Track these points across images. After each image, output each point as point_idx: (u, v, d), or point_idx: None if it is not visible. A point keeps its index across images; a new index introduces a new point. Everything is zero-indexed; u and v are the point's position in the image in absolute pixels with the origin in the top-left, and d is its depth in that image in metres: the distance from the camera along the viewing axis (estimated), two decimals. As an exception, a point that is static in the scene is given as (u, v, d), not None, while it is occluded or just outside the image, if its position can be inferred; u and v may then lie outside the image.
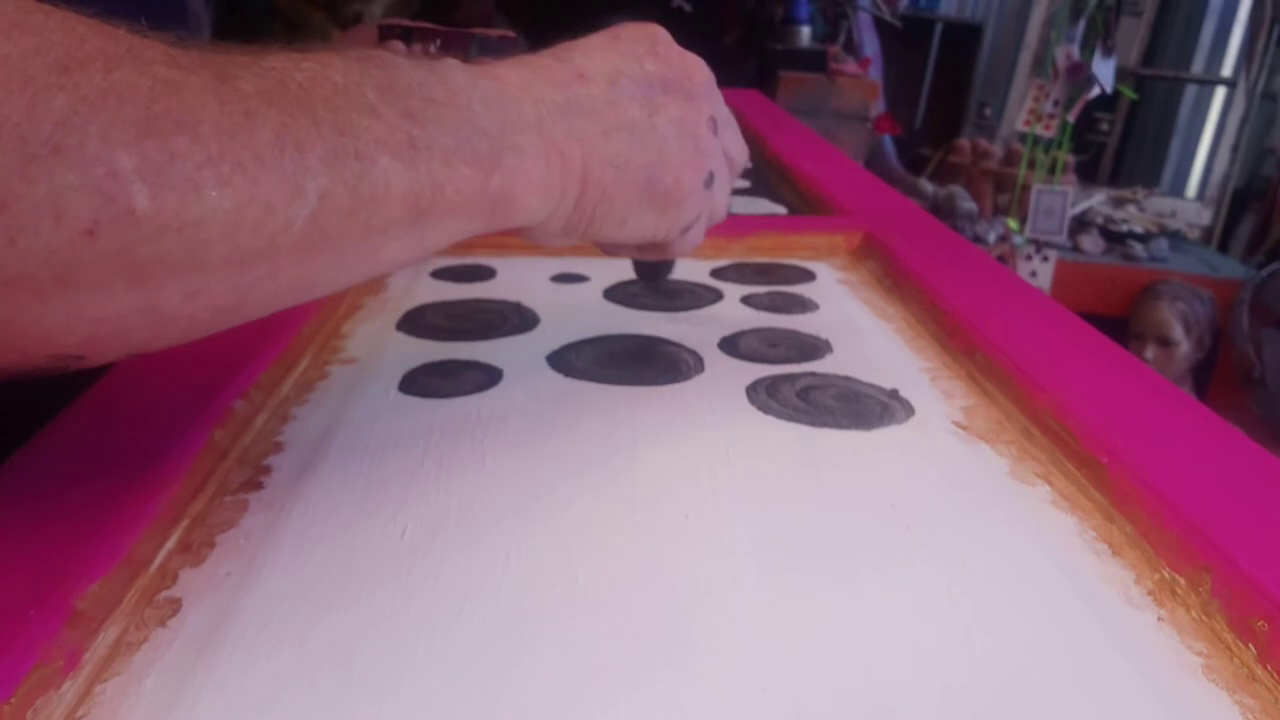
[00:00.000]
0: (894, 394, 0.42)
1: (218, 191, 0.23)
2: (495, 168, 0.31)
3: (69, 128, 0.21)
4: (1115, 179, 3.20)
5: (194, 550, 0.30)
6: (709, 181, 0.38)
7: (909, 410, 0.41)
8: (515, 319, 0.50)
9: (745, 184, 0.84)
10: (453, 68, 0.32)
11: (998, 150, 2.68)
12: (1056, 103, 2.10)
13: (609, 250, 0.41)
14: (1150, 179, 3.11)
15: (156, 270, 0.23)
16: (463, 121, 0.30)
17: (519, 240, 0.61)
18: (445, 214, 0.30)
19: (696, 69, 0.38)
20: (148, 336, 0.25)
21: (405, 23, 0.70)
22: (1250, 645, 0.26)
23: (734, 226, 0.65)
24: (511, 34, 0.74)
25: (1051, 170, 2.20)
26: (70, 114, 0.21)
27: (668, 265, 0.46)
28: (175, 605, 0.27)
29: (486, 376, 0.43)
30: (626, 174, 0.35)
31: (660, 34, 0.38)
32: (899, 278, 0.56)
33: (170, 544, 0.30)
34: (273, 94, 0.25)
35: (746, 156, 0.42)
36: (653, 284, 0.47)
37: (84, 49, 0.22)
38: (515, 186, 0.32)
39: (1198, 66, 3.19)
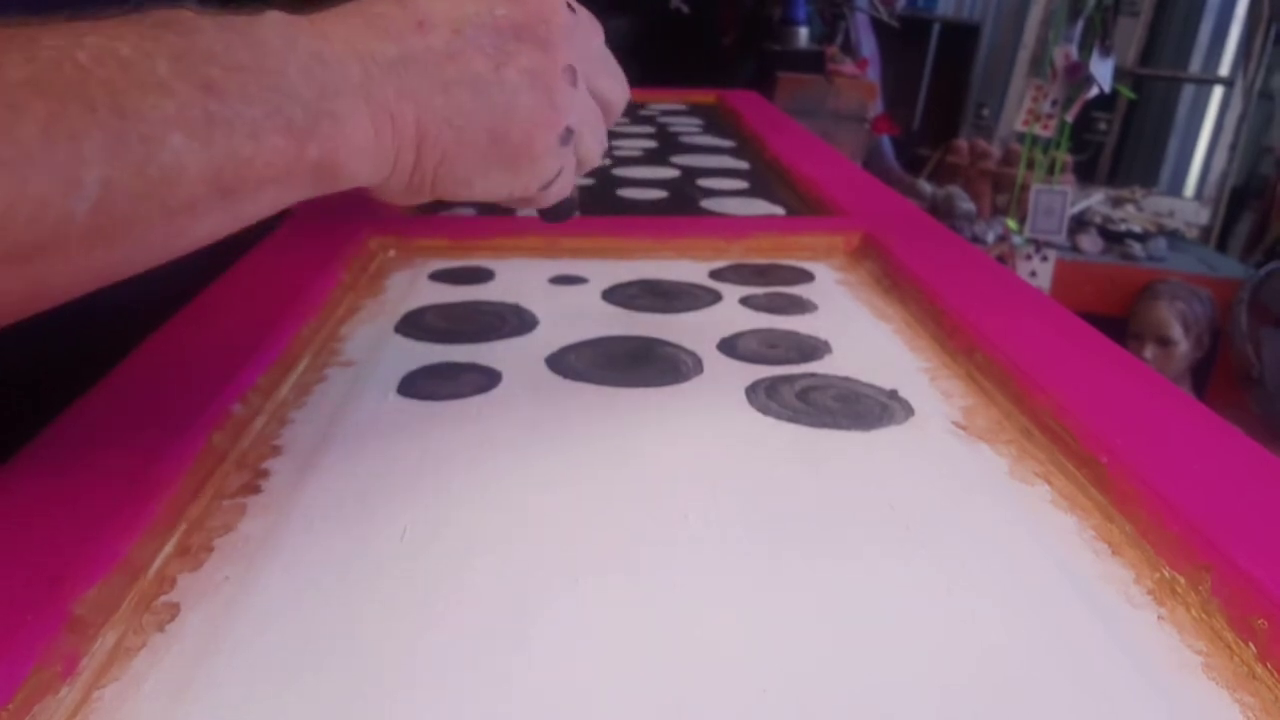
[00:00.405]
0: (893, 394, 0.42)
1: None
2: (310, 137, 0.29)
3: None
4: (1113, 179, 3.21)
5: (192, 554, 0.30)
6: (566, 138, 0.36)
7: (908, 410, 0.41)
8: (514, 321, 0.50)
9: (743, 185, 0.84)
10: (269, 25, 0.30)
11: (996, 150, 2.68)
12: (1055, 102, 2.10)
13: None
14: (1148, 178, 3.11)
15: None
16: (272, 89, 0.28)
17: (518, 242, 0.61)
18: (257, 187, 0.28)
19: (554, 11, 0.35)
20: None
21: None
22: (1250, 644, 0.26)
23: (732, 228, 0.65)
24: None
25: (1050, 170, 2.20)
26: None
27: (569, 204, 0.43)
28: (173, 610, 0.27)
29: (485, 379, 0.43)
30: (468, 134, 0.33)
31: None
32: (898, 278, 0.56)
33: (168, 548, 0.30)
34: (44, 81, 0.24)
35: (627, 97, 0.40)
36: (555, 221, 0.45)
37: None
38: (338, 154, 0.30)
39: (1195, 66, 3.19)
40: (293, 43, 0.30)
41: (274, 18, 0.30)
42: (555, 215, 0.43)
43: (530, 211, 0.40)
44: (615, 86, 0.39)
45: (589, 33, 0.37)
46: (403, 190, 0.34)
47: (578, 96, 0.36)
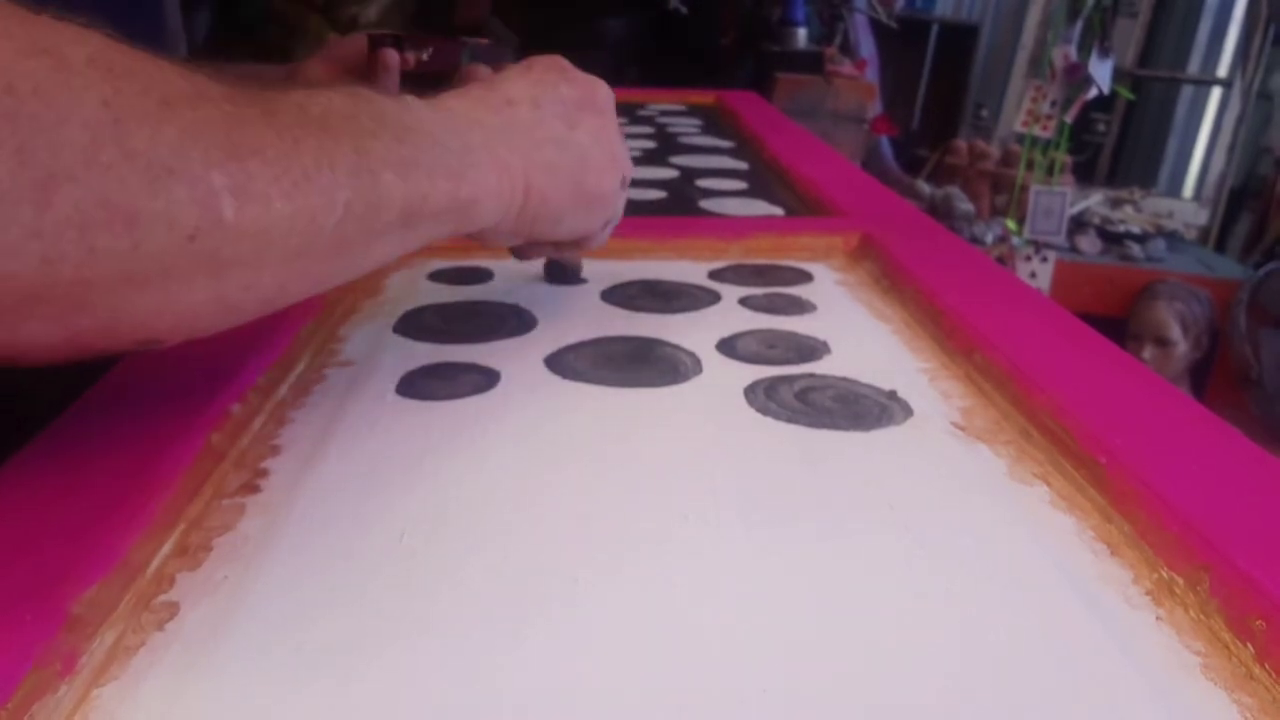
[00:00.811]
0: (892, 395, 0.42)
1: (281, 203, 0.28)
2: (463, 180, 0.37)
3: (179, 154, 0.25)
4: (1112, 179, 3.21)
5: (191, 554, 0.30)
6: (624, 183, 0.46)
7: (907, 411, 0.41)
8: (513, 321, 0.50)
9: (742, 186, 0.84)
10: (413, 102, 0.37)
11: (995, 151, 2.69)
12: (1054, 103, 2.10)
13: (526, 253, 0.49)
14: (1147, 179, 3.11)
15: (230, 267, 0.28)
16: (434, 144, 0.36)
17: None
18: (426, 220, 0.35)
19: (599, 88, 0.45)
20: (211, 322, 0.30)
21: (396, 32, 0.70)
22: (1248, 644, 0.26)
23: (731, 228, 0.65)
24: (489, 41, 0.74)
25: (1049, 171, 2.21)
26: (178, 143, 0.25)
27: (575, 270, 0.55)
28: (173, 609, 0.27)
29: (484, 379, 0.43)
30: (559, 179, 0.42)
31: (565, 62, 0.46)
32: (897, 279, 0.56)
33: (167, 548, 0.30)
34: (304, 122, 0.30)
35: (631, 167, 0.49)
36: (562, 283, 0.55)
37: (172, 87, 0.26)
38: (478, 194, 0.38)
39: (1194, 67, 3.19)
40: (434, 113, 0.38)
41: (411, 99, 0.37)
42: (564, 275, 0.54)
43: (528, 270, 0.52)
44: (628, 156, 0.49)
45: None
46: (510, 230, 0.42)
47: (627, 152, 0.46)
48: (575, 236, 0.46)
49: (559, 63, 0.45)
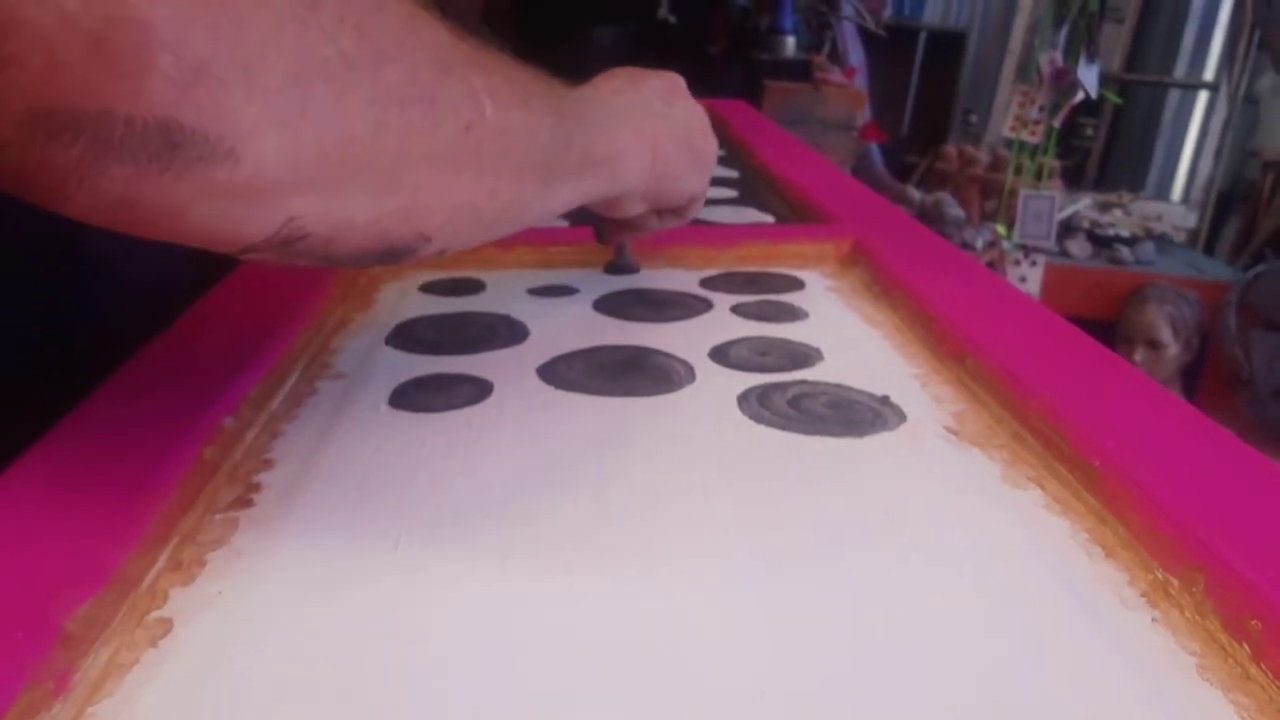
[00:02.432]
0: (885, 400, 0.42)
1: (518, 112, 0.33)
2: (614, 137, 0.43)
3: (452, 52, 0.30)
4: (1101, 183, 3.22)
5: (185, 569, 0.30)
6: (715, 152, 0.53)
7: (900, 416, 0.41)
8: (505, 332, 0.50)
9: (732, 194, 0.84)
10: (558, 83, 0.41)
11: (984, 156, 2.70)
12: (1042, 108, 2.11)
13: (614, 234, 0.55)
14: (1136, 183, 3.13)
15: (487, 166, 0.32)
16: (590, 106, 0.42)
17: (508, 253, 0.61)
18: (591, 168, 0.40)
19: (678, 79, 0.52)
20: (462, 229, 0.33)
21: None
22: (1244, 644, 0.26)
23: (722, 236, 0.65)
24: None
25: (1038, 175, 2.21)
26: (450, 43, 0.30)
27: (634, 265, 0.60)
28: (166, 625, 0.27)
29: (477, 389, 0.43)
30: (675, 143, 0.48)
31: (642, 69, 0.51)
32: (888, 285, 0.56)
33: (160, 563, 0.30)
34: (508, 62, 0.34)
35: None
36: (622, 273, 0.60)
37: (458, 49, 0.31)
38: (625, 150, 0.44)
39: (1180, 71, 3.21)
40: (581, 90, 0.44)
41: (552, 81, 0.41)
42: (624, 269, 0.60)
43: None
44: None
45: None
46: (643, 191, 0.47)
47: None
48: (688, 197, 0.51)
49: (635, 69, 0.51)
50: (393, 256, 0.31)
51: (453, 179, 0.31)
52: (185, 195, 0.24)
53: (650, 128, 0.46)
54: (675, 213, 0.53)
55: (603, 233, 0.55)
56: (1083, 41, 2.02)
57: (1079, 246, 2.43)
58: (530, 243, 0.63)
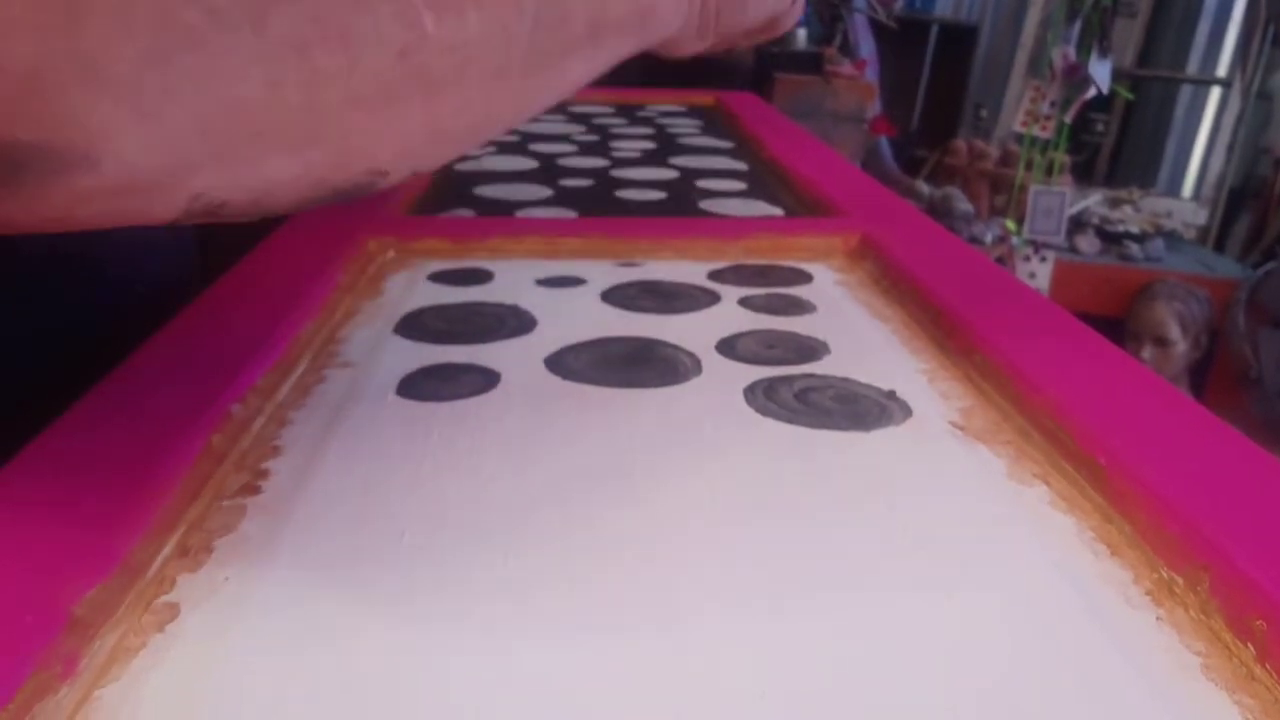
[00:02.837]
0: (892, 395, 0.42)
1: (474, 14, 0.27)
2: None
3: None
4: (1111, 179, 3.21)
5: (192, 555, 0.30)
6: None
7: (907, 411, 0.41)
8: (513, 322, 0.50)
9: (741, 186, 0.84)
10: None
11: (994, 151, 2.69)
12: (1053, 103, 2.10)
13: (729, 44, 0.44)
14: (1146, 179, 3.11)
15: (441, 87, 0.27)
16: None
17: (517, 243, 0.61)
18: (610, 32, 0.33)
19: None
20: (429, 151, 0.29)
21: None
22: (1249, 645, 0.26)
23: (731, 229, 0.65)
24: None
25: (1048, 171, 2.21)
26: None
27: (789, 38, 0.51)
28: (173, 610, 0.27)
29: (484, 379, 0.43)
30: None
31: None
32: (896, 279, 0.56)
33: (168, 549, 0.30)
34: None
35: None
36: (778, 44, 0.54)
37: None
38: (657, 2, 0.35)
39: (1193, 67, 3.19)
40: None
41: None
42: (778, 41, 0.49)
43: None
44: None
45: None
46: (695, 32, 0.39)
47: None
48: (766, 19, 0.43)
49: None
50: (348, 196, 0.28)
51: (394, 112, 0.27)
52: (59, 206, 0.22)
53: None
54: (766, 28, 0.45)
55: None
56: (1095, 36, 2.01)
57: (1088, 243, 2.42)
58: (539, 233, 0.63)
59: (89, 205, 0.22)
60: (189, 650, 0.26)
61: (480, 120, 0.30)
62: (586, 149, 0.97)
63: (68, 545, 0.27)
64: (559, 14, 0.30)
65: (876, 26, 2.53)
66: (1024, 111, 2.17)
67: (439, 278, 0.57)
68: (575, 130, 1.07)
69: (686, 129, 1.11)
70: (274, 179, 0.25)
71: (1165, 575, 0.30)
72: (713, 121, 1.17)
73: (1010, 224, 2.26)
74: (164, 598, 0.28)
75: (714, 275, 0.59)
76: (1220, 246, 2.83)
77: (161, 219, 0.24)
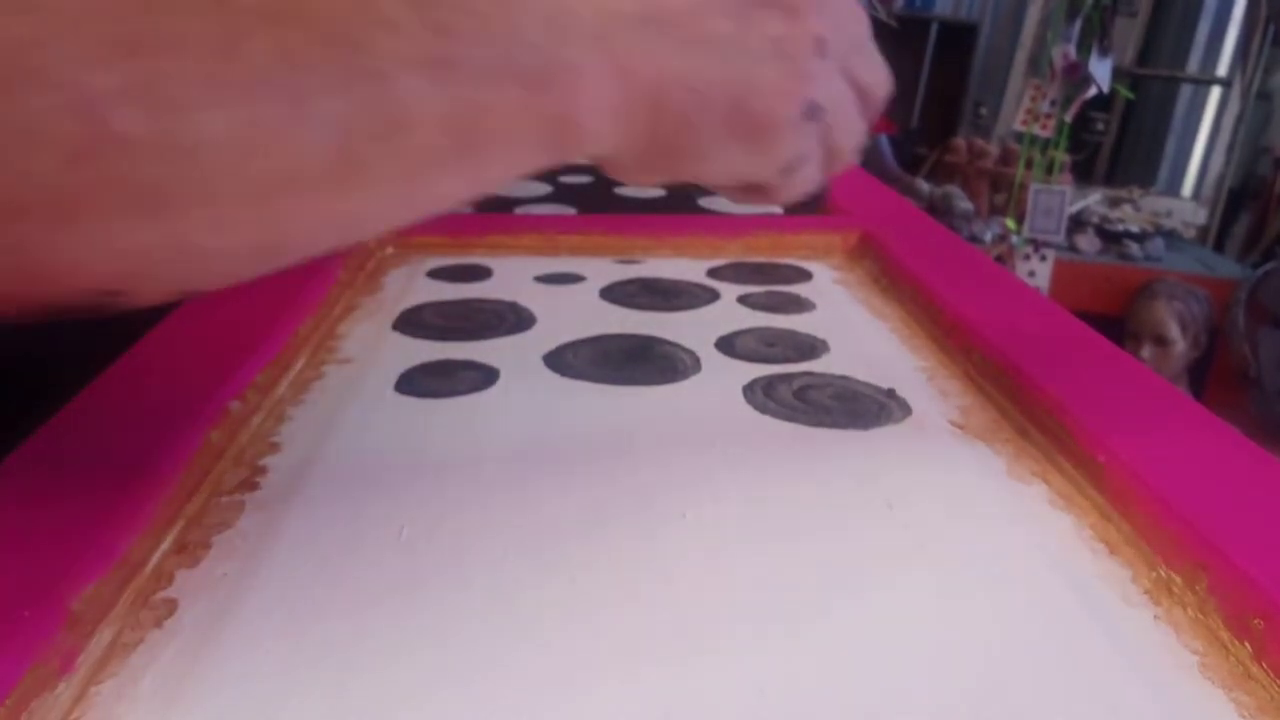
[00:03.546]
0: (891, 393, 0.42)
1: (212, 113, 0.21)
2: (547, 87, 0.27)
3: (40, 49, 0.19)
4: (1111, 178, 3.21)
5: (190, 551, 0.30)
6: (811, 112, 0.32)
7: (906, 409, 0.41)
8: (511, 319, 0.50)
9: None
10: None
11: (994, 150, 2.68)
12: (1053, 102, 2.10)
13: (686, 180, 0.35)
14: (1146, 178, 3.11)
15: (170, 199, 0.22)
16: (506, 35, 0.26)
17: (516, 240, 0.61)
18: (495, 142, 0.27)
19: None
20: (185, 273, 0.24)
21: None
22: (1246, 643, 0.26)
23: (730, 226, 0.65)
24: None
25: (1048, 170, 2.20)
26: (40, 35, 0.19)
27: (818, 196, 0.41)
28: (171, 606, 0.27)
29: (483, 376, 0.43)
30: (708, 97, 0.30)
31: None
32: (895, 277, 0.56)
33: (166, 545, 0.30)
34: (270, 10, 0.22)
35: (887, 88, 0.37)
36: (806, 213, 0.44)
37: None
38: (577, 109, 0.27)
39: (1193, 66, 3.19)
40: None
41: None
42: (801, 205, 0.40)
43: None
44: (874, 73, 0.36)
45: (848, 15, 0.35)
46: (636, 163, 0.31)
47: (827, 71, 0.33)
48: (736, 182, 0.34)
49: None
50: (87, 311, 0.24)
51: (96, 226, 0.21)
52: None
53: (662, 65, 0.29)
54: (765, 191, 0.35)
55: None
56: (1095, 35, 2.01)
57: (1088, 241, 2.42)
58: (538, 230, 0.63)
59: None
60: (186, 646, 0.26)
61: (271, 239, 0.25)
62: (586, 146, 0.97)
63: (66, 541, 0.27)
64: (393, 120, 0.24)
65: (876, 24, 2.52)
66: (1024, 110, 2.16)
67: (438, 274, 0.57)
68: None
69: (686, 126, 1.11)
70: None
71: (1163, 574, 0.30)
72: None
73: (1010, 223, 2.26)
74: (162, 593, 0.28)
75: (713, 273, 0.59)
76: (1220, 246, 2.82)
77: None
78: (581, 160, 0.30)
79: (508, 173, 0.28)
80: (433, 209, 0.27)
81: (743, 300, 0.54)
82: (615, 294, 0.54)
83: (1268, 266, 2.28)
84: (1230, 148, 2.77)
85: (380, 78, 0.24)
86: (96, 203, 0.21)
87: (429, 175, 0.26)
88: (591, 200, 0.75)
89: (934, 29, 3.59)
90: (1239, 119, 2.72)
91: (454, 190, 0.27)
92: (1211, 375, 2.31)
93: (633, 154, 0.31)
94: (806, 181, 0.35)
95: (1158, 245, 2.42)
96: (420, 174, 0.26)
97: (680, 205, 0.76)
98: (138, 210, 0.22)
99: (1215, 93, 3.13)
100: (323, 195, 0.24)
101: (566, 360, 0.45)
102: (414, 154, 0.25)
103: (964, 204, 2.49)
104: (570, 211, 0.72)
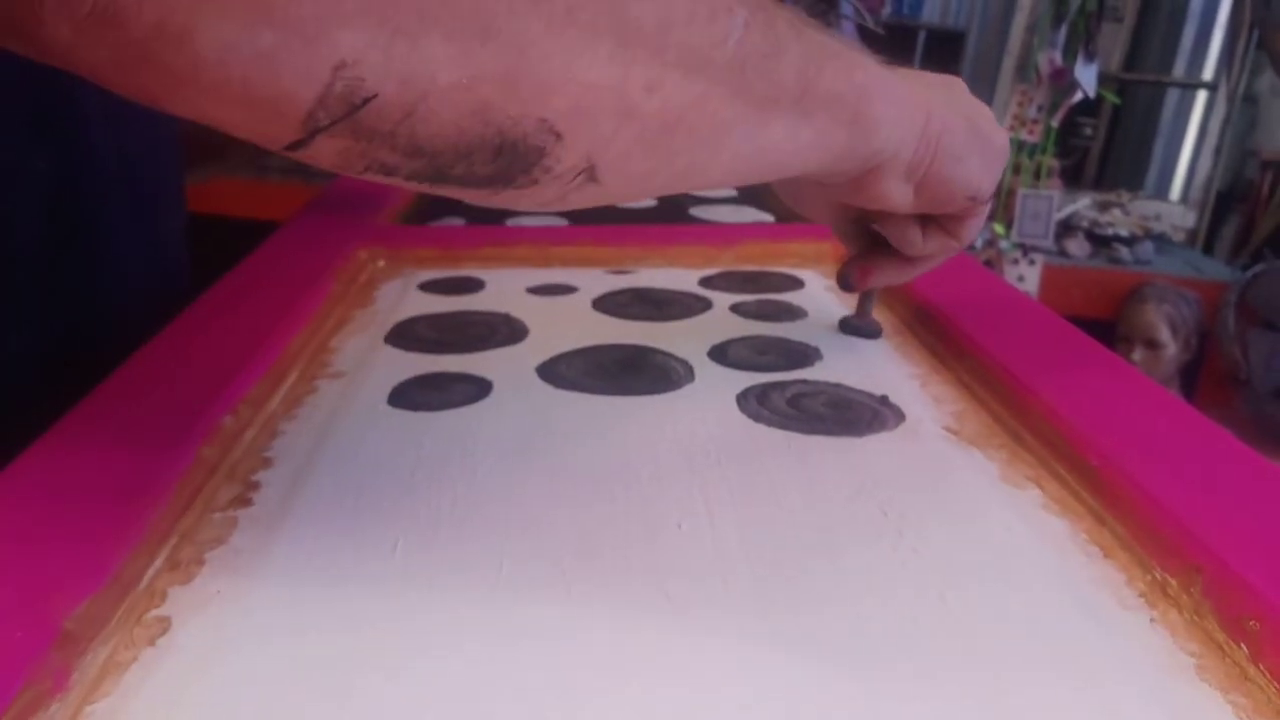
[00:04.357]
0: (884, 400, 0.42)
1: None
2: (858, 71, 0.33)
3: None
4: (1100, 183, 3.22)
5: (183, 568, 0.30)
6: (1006, 149, 0.42)
7: (899, 416, 0.41)
8: (504, 330, 0.50)
9: (732, 193, 0.84)
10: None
11: (982, 156, 2.69)
12: (1040, 108, 2.11)
13: (862, 277, 0.46)
14: (1134, 182, 3.12)
15: (638, 42, 0.25)
16: (838, 47, 0.33)
17: (508, 252, 0.61)
18: (819, 103, 0.32)
19: (960, 83, 0.42)
20: (613, 124, 0.25)
21: None
22: (1242, 645, 0.26)
23: (722, 235, 0.65)
24: None
25: (1036, 175, 2.21)
26: None
27: (875, 328, 0.50)
28: (165, 624, 0.27)
29: (476, 389, 0.43)
30: (956, 115, 0.38)
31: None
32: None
33: (159, 562, 0.30)
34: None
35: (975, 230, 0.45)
36: (863, 335, 0.50)
37: None
38: (874, 91, 0.34)
39: (1179, 70, 3.21)
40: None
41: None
42: (864, 330, 0.50)
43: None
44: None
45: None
46: (908, 164, 0.37)
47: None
48: (970, 192, 0.40)
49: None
50: (513, 157, 0.24)
51: (581, 44, 0.24)
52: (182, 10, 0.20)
53: (923, 94, 0.37)
54: (948, 225, 0.43)
55: (849, 275, 0.47)
56: (1081, 41, 2.02)
57: (1077, 246, 2.43)
58: (530, 241, 0.63)
59: (217, 26, 0.20)
60: (180, 664, 0.26)
61: (673, 115, 0.27)
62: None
63: (58, 559, 0.27)
64: (772, 45, 0.29)
65: (864, 32, 2.53)
66: (1011, 116, 2.17)
67: (430, 287, 0.57)
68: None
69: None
70: (433, 74, 0.22)
71: (1158, 576, 0.30)
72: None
73: (999, 228, 2.27)
74: (155, 611, 0.28)
75: (705, 282, 0.59)
76: (1209, 249, 2.83)
77: (298, 93, 0.21)
78: (869, 148, 0.35)
79: (818, 144, 0.33)
80: (760, 157, 0.32)
81: (735, 309, 0.54)
82: (608, 304, 0.54)
83: (1257, 268, 2.29)
84: (1217, 151, 2.79)
85: (767, 14, 0.29)
86: (595, 24, 0.24)
87: (774, 116, 0.31)
88: (583, 211, 0.75)
89: (921, 36, 3.61)
90: (1225, 122, 2.74)
91: (779, 140, 0.32)
92: (1202, 378, 2.32)
93: (908, 151, 0.37)
94: (981, 222, 0.43)
95: (1147, 249, 2.43)
96: (770, 112, 0.30)
97: (671, 215, 0.77)
98: (612, 40, 0.24)
99: (1201, 96, 3.15)
100: (719, 84, 0.28)
101: (560, 371, 0.45)
102: (774, 89, 0.30)
103: (953, 210, 2.49)
104: (562, 223, 0.72)
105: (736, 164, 0.31)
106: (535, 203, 0.28)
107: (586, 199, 0.28)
